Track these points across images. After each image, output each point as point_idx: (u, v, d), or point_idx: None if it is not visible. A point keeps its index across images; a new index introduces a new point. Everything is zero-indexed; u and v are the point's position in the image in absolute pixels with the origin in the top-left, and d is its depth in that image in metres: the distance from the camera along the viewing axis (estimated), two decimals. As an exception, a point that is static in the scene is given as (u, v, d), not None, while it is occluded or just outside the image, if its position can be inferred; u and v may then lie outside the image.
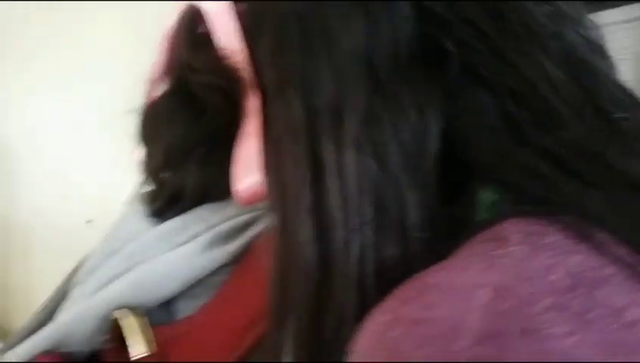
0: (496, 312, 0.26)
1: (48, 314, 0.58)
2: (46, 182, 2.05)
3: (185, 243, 0.51)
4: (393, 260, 0.36)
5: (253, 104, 0.50)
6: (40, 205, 2.07)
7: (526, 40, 0.36)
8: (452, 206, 0.37)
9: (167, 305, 0.50)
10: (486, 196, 0.37)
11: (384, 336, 0.29)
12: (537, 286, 0.27)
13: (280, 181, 0.40)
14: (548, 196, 0.34)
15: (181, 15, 0.57)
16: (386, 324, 0.29)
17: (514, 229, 0.31)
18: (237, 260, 0.50)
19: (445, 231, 0.36)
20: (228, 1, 0.53)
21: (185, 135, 0.54)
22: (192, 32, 0.56)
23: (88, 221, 1.83)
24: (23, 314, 2.00)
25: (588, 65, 0.37)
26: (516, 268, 0.28)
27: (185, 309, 0.50)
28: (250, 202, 0.49)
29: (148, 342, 0.46)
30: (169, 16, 0.62)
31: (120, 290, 0.49)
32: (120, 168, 1.86)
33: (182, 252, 0.50)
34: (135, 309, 0.48)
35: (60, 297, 0.59)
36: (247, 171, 0.50)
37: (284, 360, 0.39)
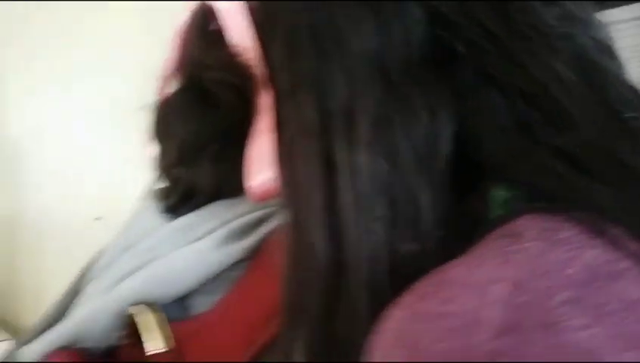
0: (515, 306, 0.27)
1: (62, 310, 0.59)
2: (53, 180, 2.06)
3: (200, 238, 0.52)
4: (405, 258, 0.36)
5: (265, 101, 0.50)
6: (47, 203, 2.08)
7: (535, 41, 0.36)
8: (464, 204, 0.38)
9: (182, 300, 0.51)
10: (499, 194, 0.37)
11: (404, 331, 0.29)
12: (554, 280, 0.28)
13: (293, 181, 0.41)
14: (561, 193, 0.34)
15: (193, 12, 0.58)
16: (405, 320, 0.30)
17: (528, 225, 0.32)
18: (252, 256, 0.51)
19: (459, 229, 0.37)
20: (241, 1, 0.53)
21: (199, 132, 0.55)
22: (204, 29, 0.56)
23: (97, 219, 1.84)
24: (32, 312, 2.01)
25: (598, 66, 0.37)
26: (532, 262, 0.29)
27: (200, 305, 0.50)
28: (263, 198, 0.50)
29: (166, 338, 0.47)
30: (178, 13, 0.63)
31: (136, 285, 0.50)
32: (127, 165, 1.88)
33: (197, 248, 0.51)
34: (151, 305, 0.49)
35: (73, 293, 0.60)
36: (260, 167, 0.50)
37: (296, 359, 0.40)
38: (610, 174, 0.34)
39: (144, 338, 0.46)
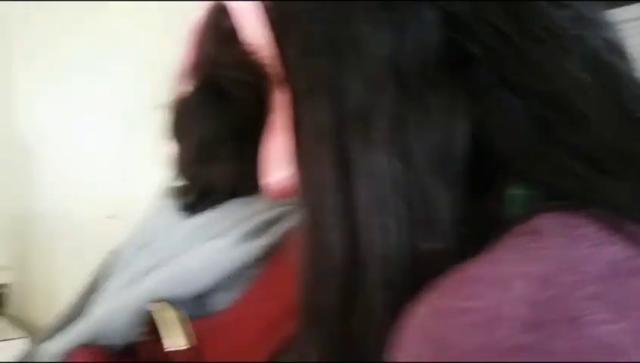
0: (539, 301, 0.27)
1: (80, 307, 0.59)
2: (65, 180, 2.08)
3: (217, 236, 0.52)
4: (422, 257, 0.37)
5: (280, 99, 0.51)
6: (59, 202, 2.09)
7: (547, 43, 0.36)
8: (480, 204, 0.39)
9: (200, 298, 0.51)
10: (517, 193, 0.38)
11: (429, 327, 0.30)
12: (576, 275, 0.28)
13: (308, 180, 0.42)
14: (579, 191, 0.35)
15: (208, 11, 0.59)
16: (430, 316, 0.30)
17: (548, 223, 0.32)
18: (270, 254, 0.51)
19: (474, 228, 0.37)
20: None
21: (215, 130, 0.55)
22: (219, 28, 0.57)
23: (108, 217, 1.85)
24: (45, 310, 2.03)
25: (611, 66, 0.38)
26: (554, 258, 0.29)
27: (219, 302, 0.51)
28: (280, 196, 0.51)
29: (187, 335, 0.47)
30: (190, 11, 0.63)
31: (155, 283, 0.51)
32: (139, 163, 1.88)
33: (216, 246, 0.51)
34: (170, 303, 0.49)
35: (91, 290, 0.61)
36: (276, 165, 0.51)
37: (312, 359, 0.40)
38: (627, 172, 0.35)
39: (163, 335, 0.47)
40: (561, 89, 0.36)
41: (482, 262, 0.32)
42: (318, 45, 0.40)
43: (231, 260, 0.50)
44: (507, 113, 0.37)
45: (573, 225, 0.32)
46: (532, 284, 0.28)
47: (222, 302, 0.51)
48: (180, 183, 0.59)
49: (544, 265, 0.29)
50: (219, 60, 0.56)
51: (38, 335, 0.61)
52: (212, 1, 0.59)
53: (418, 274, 0.36)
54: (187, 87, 0.59)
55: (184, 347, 0.47)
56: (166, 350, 0.47)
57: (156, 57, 1.73)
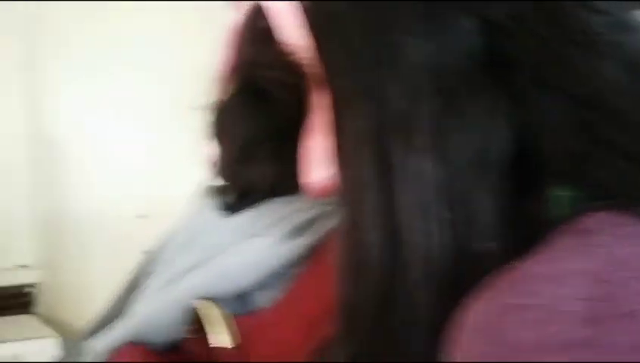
0: (594, 297, 0.29)
1: (122, 305, 0.61)
2: (96, 179, 2.10)
3: (259, 235, 0.54)
4: (465, 258, 0.38)
5: (318, 99, 0.52)
6: (91, 202, 2.12)
7: (585, 47, 0.37)
8: (523, 205, 0.40)
9: (242, 296, 0.52)
10: (562, 194, 0.39)
11: (488, 324, 0.31)
12: (628, 271, 0.29)
13: (349, 182, 0.43)
14: (624, 190, 0.36)
15: (247, 12, 0.60)
16: (488, 313, 0.31)
17: (597, 221, 0.34)
18: (311, 253, 0.52)
19: (520, 228, 0.38)
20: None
21: (255, 131, 0.57)
22: (257, 28, 0.58)
23: (140, 216, 1.87)
24: (76, 309, 2.05)
25: None
26: (606, 255, 0.31)
27: (260, 301, 0.52)
28: (320, 195, 0.52)
29: (232, 333, 0.49)
30: (227, 11, 0.65)
31: (199, 282, 0.52)
32: (170, 163, 1.90)
33: (259, 245, 0.52)
34: (216, 300, 0.51)
35: (132, 288, 0.62)
36: (316, 165, 0.52)
37: (352, 359, 0.41)
38: None
39: (209, 332, 0.48)
40: (599, 90, 0.37)
41: (536, 260, 0.33)
42: (359, 51, 0.41)
43: (273, 259, 0.52)
44: (547, 115, 0.38)
45: (621, 224, 0.33)
46: (587, 281, 0.29)
47: (263, 300, 0.52)
48: (220, 183, 0.61)
49: (596, 262, 0.30)
50: (257, 61, 0.57)
51: (78, 334, 0.63)
52: (250, 2, 0.60)
53: (461, 275, 0.37)
54: (227, 88, 0.60)
55: (229, 345, 0.48)
56: (211, 346, 0.48)
57: (188, 56, 1.75)
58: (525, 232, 0.38)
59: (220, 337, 0.48)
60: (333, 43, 0.45)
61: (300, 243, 0.52)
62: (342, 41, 0.43)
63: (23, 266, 2.29)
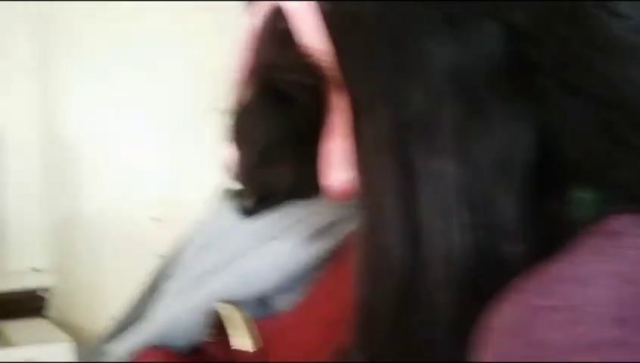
0: (623, 298, 0.29)
1: (140, 309, 0.62)
2: (110, 181, 2.11)
3: (279, 238, 0.54)
4: (487, 259, 0.38)
5: (338, 101, 0.52)
6: (103, 205, 2.13)
7: (608, 51, 0.38)
8: (546, 207, 0.40)
9: (262, 299, 0.53)
10: (586, 196, 0.39)
11: (519, 326, 0.31)
12: None
13: (369, 185, 0.43)
14: None
15: (265, 14, 0.60)
16: (518, 315, 0.32)
17: (624, 224, 0.34)
18: (332, 255, 0.53)
19: (542, 230, 0.39)
20: (311, 1, 0.55)
21: (274, 133, 0.57)
22: (276, 30, 0.58)
23: (154, 219, 1.88)
24: (90, 313, 2.06)
25: None
26: (634, 257, 0.31)
27: (281, 304, 0.52)
28: (340, 198, 0.52)
29: (254, 337, 0.49)
30: (242, 11, 0.65)
31: (220, 285, 0.53)
32: (183, 166, 1.91)
33: (279, 248, 0.53)
34: (237, 304, 0.51)
35: (151, 291, 0.63)
36: (336, 167, 0.52)
37: (372, 359, 0.42)
38: None
39: (231, 335, 0.49)
40: (620, 91, 0.37)
41: (564, 262, 0.33)
42: (381, 56, 0.42)
43: (293, 262, 0.52)
44: (568, 116, 0.38)
45: None
46: (615, 282, 0.30)
47: (283, 304, 0.52)
48: (239, 185, 0.61)
49: (624, 264, 0.31)
50: (277, 63, 0.58)
51: (96, 337, 0.63)
52: (269, 4, 0.60)
53: (483, 277, 0.38)
54: (245, 91, 0.61)
55: (251, 349, 0.48)
56: (233, 348, 0.48)
57: (203, 57, 1.76)
58: (548, 234, 0.38)
59: (242, 341, 0.49)
60: (353, 46, 0.45)
61: (320, 246, 0.53)
62: (363, 44, 0.44)
63: (36, 270, 2.30)
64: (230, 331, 0.49)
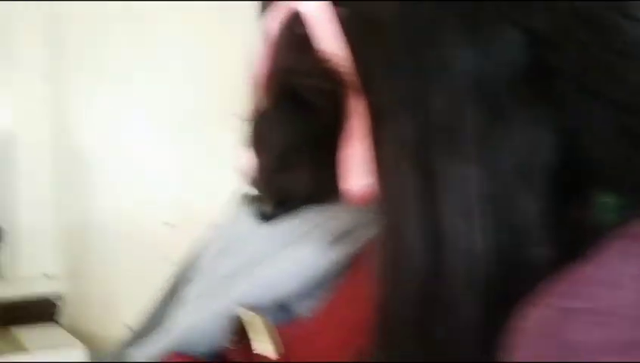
0: None
1: (159, 314, 0.62)
2: (123, 187, 2.12)
3: (299, 244, 0.54)
4: (511, 263, 0.39)
5: (356, 106, 0.53)
6: (117, 209, 2.14)
7: (628, 56, 0.38)
8: (569, 211, 0.41)
9: (282, 305, 0.53)
10: (608, 200, 0.40)
11: (551, 328, 0.32)
12: None
13: (390, 189, 0.44)
14: None
15: (283, 19, 0.61)
16: (549, 318, 0.32)
17: None
18: (352, 261, 0.53)
19: (565, 234, 0.39)
20: (328, 5, 0.56)
21: (293, 138, 0.58)
22: (295, 35, 0.59)
23: (166, 224, 1.89)
24: (102, 319, 2.07)
25: None
26: None
27: (301, 309, 0.53)
28: (360, 202, 0.52)
29: (275, 342, 0.50)
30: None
31: (241, 290, 0.53)
32: (195, 170, 1.92)
33: (299, 254, 0.53)
34: (258, 310, 0.52)
35: (169, 297, 0.63)
36: (355, 172, 0.53)
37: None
38: None
39: (253, 340, 0.49)
40: (639, 96, 0.38)
41: (592, 265, 0.34)
42: (402, 61, 0.42)
43: (314, 268, 0.52)
44: (590, 122, 0.39)
45: None
46: None
47: (304, 309, 0.53)
48: (256, 191, 0.62)
49: None
50: (294, 68, 0.58)
51: (114, 344, 0.64)
52: (285, 8, 0.61)
53: (506, 281, 0.38)
54: (262, 96, 0.61)
55: (273, 355, 0.49)
56: (255, 354, 0.49)
57: (216, 63, 1.77)
58: (571, 238, 0.39)
59: (264, 346, 0.49)
60: (372, 52, 0.46)
61: (340, 252, 0.53)
62: (383, 50, 0.44)
63: (48, 275, 2.32)
64: (252, 337, 0.50)
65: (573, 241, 0.39)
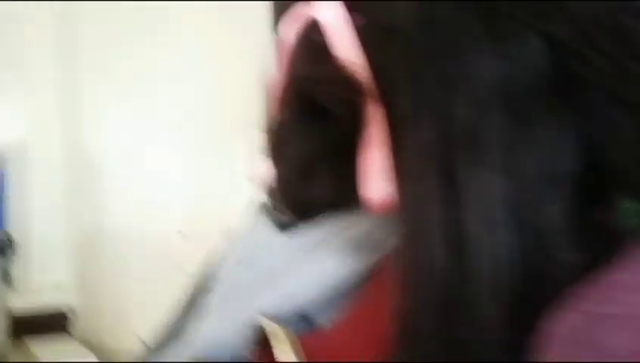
0: None
1: (180, 324, 0.63)
2: (135, 197, 2.13)
3: (319, 253, 0.54)
4: (535, 269, 0.39)
5: (374, 113, 0.53)
6: (129, 218, 2.15)
7: None
8: (593, 216, 0.41)
9: (304, 315, 0.53)
10: (632, 206, 0.40)
11: (582, 333, 0.33)
12: None
13: (413, 196, 0.44)
14: None
15: (300, 28, 0.61)
16: (580, 322, 0.33)
17: None
18: (373, 270, 0.53)
19: (590, 239, 0.40)
20: (345, 13, 0.56)
21: (311, 147, 0.58)
22: (312, 43, 0.59)
23: (178, 232, 1.90)
24: (114, 330, 2.08)
25: None
26: None
27: (323, 319, 0.53)
28: (381, 210, 0.53)
29: (297, 353, 0.50)
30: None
31: (263, 300, 0.53)
32: (208, 179, 1.92)
33: (321, 263, 0.53)
34: (280, 320, 0.52)
35: (189, 306, 0.64)
36: (374, 179, 0.53)
37: None
38: None
39: (276, 350, 0.49)
40: None
41: (620, 270, 0.35)
42: (425, 70, 0.43)
43: (335, 277, 0.53)
44: (615, 128, 0.39)
45: None
46: None
47: (325, 319, 0.53)
48: (275, 200, 0.62)
49: None
50: (312, 77, 0.59)
51: (144, 352, 0.64)
52: (301, 17, 0.61)
53: (530, 287, 0.39)
54: (280, 105, 0.62)
55: (294, 365, 0.49)
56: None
57: (228, 72, 1.77)
58: (596, 243, 0.39)
59: (286, 356, 0.50)
60: (393, 60, 0.46)
61: (361, 260, 0.53)
62: (403, 58, 0.45)
63: (60, 286, 2.33)
64: (275, 347, 0.50)
65: (597, 246, 0.39)
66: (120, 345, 2.09)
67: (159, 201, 2.04)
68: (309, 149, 0.58)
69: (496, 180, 0.40)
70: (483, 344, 0.40)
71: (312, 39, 0.59)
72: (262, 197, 0.64)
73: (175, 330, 0.62)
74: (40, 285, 2.31)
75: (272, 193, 0.62)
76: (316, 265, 0.54)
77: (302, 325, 0.53)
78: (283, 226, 0.60)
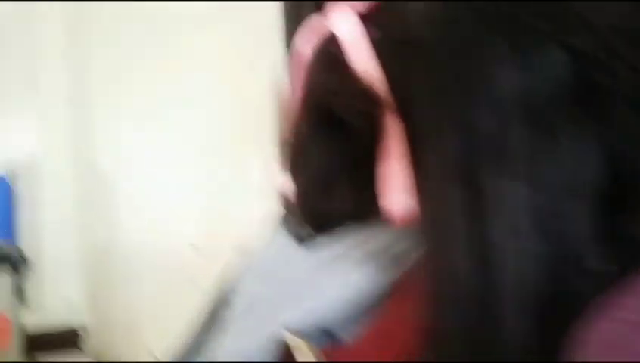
0: None
1: (201, 338, 0.63)
2: (146, 210, 2.14)
3: (342, 267, 0.55)
4: (562, 279, 0.39)
5: (393, 125, 0.54)
6: (141, 233, 2.15)
7: None
8: (620, 225, 0.41)
9: (327, 329, 0.54)
10: None
11: (617, 340, 0.33)
12: None
13: (437, 209, 0.45)
14: None
15: (317, 41, 0.61)
16: (614, 330, 0.33)
17: None
18: (396, 283, 0.53)
19: (616, 249, 0.40)
20: (361, 27, 0.57)
21: (329, 160, 0.58)
22: (329, 56, 0.60)
23: (191, 245, 1.90)
24: (126, 345, 2.08)
25: None
26: None
27: (345, 333, 0.53)
28: (401, 223, 0.53)
29: (322, 367, 0.50)
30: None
31: (286, 315, 0.53)
32: (221, 193, 1.93)
33: (345, 277, 0.54)
34: (303, 334, 0.52)
35: (210, 321, 0.64)
36: (395, 191, 0.53)
37: None
38: None
39: (300, 364, 0.50)
40: None
41: None
42: (448, 81, 0.43)
43: (358, 291, 0.53)
44: (638, 138, 0.40)
45: None
46: None
47: (348, 333, 0.53)
48: (294, 213, 0.62)
49: None
50: (330, 90, 0.59)
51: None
52: (318, 31, 0.62)
53: (557, 297, 0.39)
54: (297, 119, 0.62)
55: (320, 379, 0.49)
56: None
57: (241, 86, 1.78)
58: (621, 253, 0.39)
59: (311, 371, 0.50)
60: (409, 73, 0.47)
61: (382, 274, 0.53)
62: (426, 71, 0.45)
63: (72, 303, 2.33)
64: (299, 359, 0.50)
65: (622, 255, 0.39)
66: (132, 360, 2.09)
67: (171, 216, 2.05)
68: (328, 161, 0.59)
69: (520, 191, 0.40)
70: (509, 355, 0.40)
71: (330, 52, 0.60)
72: (279, 210, 0.65)
73: (195, 345, 0.63)
74: (52, 302, 2.31)
75: (291, 206, 0.62)
76: (337, 278, 0.54)
77: (325, 339, 0.53)
78: (302, 239, 0.60)
